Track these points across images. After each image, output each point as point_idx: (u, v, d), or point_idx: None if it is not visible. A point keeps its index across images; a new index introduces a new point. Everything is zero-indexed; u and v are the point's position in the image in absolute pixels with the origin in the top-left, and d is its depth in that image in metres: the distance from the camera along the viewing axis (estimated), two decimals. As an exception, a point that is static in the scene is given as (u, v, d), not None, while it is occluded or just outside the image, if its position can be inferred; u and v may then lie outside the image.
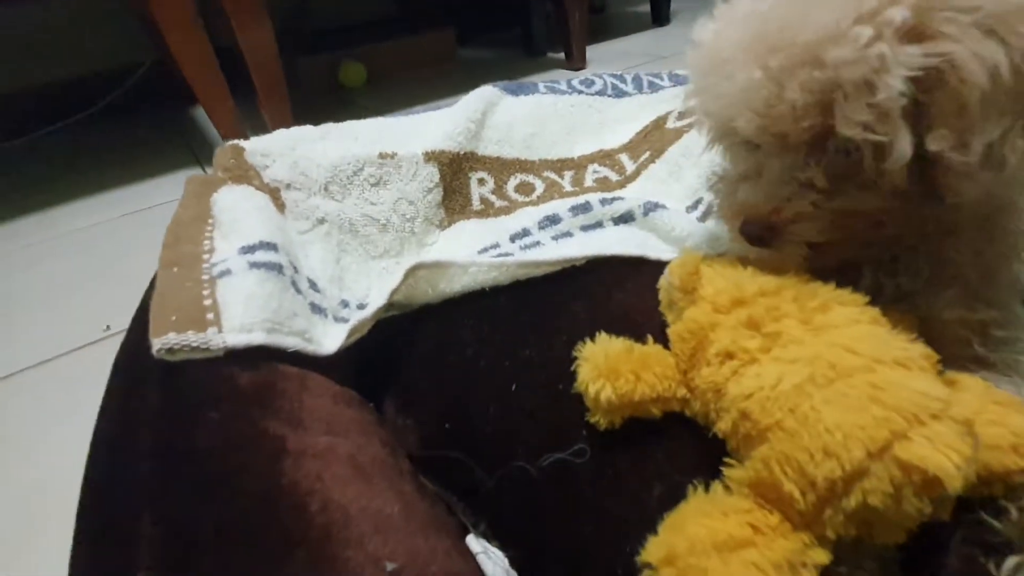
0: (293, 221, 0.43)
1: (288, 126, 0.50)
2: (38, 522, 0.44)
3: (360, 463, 0.28)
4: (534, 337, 0.37)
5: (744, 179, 0.30)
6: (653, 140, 0.60)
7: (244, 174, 0.42)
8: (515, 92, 0.61)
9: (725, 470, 0.24)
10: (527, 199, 0.55)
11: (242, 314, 0.31)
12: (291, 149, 0.46)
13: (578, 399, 0.30)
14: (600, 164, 0.59)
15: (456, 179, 0.52)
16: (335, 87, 1.42)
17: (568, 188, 0.56)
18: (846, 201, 0.27)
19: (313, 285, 0.39)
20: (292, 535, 0.23)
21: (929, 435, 0.20)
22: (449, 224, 0.51)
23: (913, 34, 0.23)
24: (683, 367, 0.29)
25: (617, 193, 0.52)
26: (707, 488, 0.25)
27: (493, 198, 0.54)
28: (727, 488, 0.24)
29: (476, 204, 0.53)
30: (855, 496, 0.20)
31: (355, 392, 0.36)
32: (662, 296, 0.34)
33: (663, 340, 0.31)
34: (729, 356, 0.26)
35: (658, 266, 0.38)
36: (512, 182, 0.56)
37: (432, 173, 0.50)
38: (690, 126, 0.57)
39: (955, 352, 0.28)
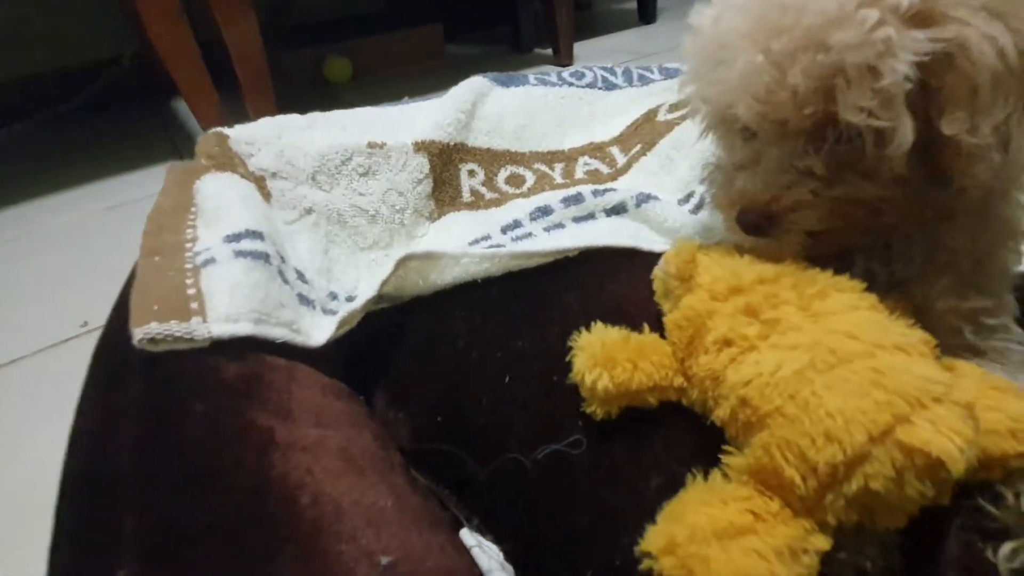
0: (279, 211, 0.42)
1: (273, 120, 0.48)
2: (17, 522, 0.43)
3: (351, 456, 0.27)
4: (527, 328, 0.37)
5: (741, 168, 0.29)
6: (644, 133, 0.60)
7: (228, 161, 0.41)
8: (505, 83, 0.60)
9: (724, 458, 0.24)
10: (517, 191, 0.54)
11: (228, 304, 0.30)
12: (277, 138, 0.45)
13: (573, 390, 0.30)
14: (591, 156, 0.59)
15: (446, 170, 0.52)
16: (320, 82, 1.41)
17: (559, 180, 0.56)
18: (846, 189, 0.27)
19: (301, 276, 0.38)
20: (282, 529, 0.22)
21: (931, 418, 0.20)
22: (439, 216, 0.51)
23: (919, 18, 0.23)
24: (680, 355, 0.29)
25: (609, 185, 0.52)
26: (706, 477, 0.25)
27: (483, 190, 0.53)
28: (726, 476, 0.24)
29: (466, 196, 0.53)
30: (856, 480, 0.20)
31: (344, 384, 0.35)
32: (657, 285, 0.34)
33: (658, 330, 0.31)
34: (727, 343, 0.26)
35: (651, 257, 0.38)
36: (502, 174, 0.55)
37: (422, 164, 0.49)
38: (682, 118, 0.57)
39: (948, 341, 0.28)
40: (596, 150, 0.60)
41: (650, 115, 0.61)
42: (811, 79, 0.24)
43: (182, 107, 1.26)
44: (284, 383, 0.29)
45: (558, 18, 1.40)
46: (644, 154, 0.57)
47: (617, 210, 0.46)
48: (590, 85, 0.65)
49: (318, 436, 0.27)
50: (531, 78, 0.63)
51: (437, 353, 0.39)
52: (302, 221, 0.43)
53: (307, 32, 1.50)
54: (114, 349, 0.32)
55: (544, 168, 0.57)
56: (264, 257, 0.34)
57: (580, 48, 1.51)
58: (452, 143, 0.52)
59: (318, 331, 0.35)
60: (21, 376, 0.59)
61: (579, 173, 0.57)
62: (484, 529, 0.32)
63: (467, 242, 0.45)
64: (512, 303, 0.39)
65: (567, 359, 0.30)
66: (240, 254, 0.33)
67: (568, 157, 0.59)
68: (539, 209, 0.47)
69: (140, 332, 0.28)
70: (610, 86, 0.66)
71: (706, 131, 0.34)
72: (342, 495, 0.24)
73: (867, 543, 0.24)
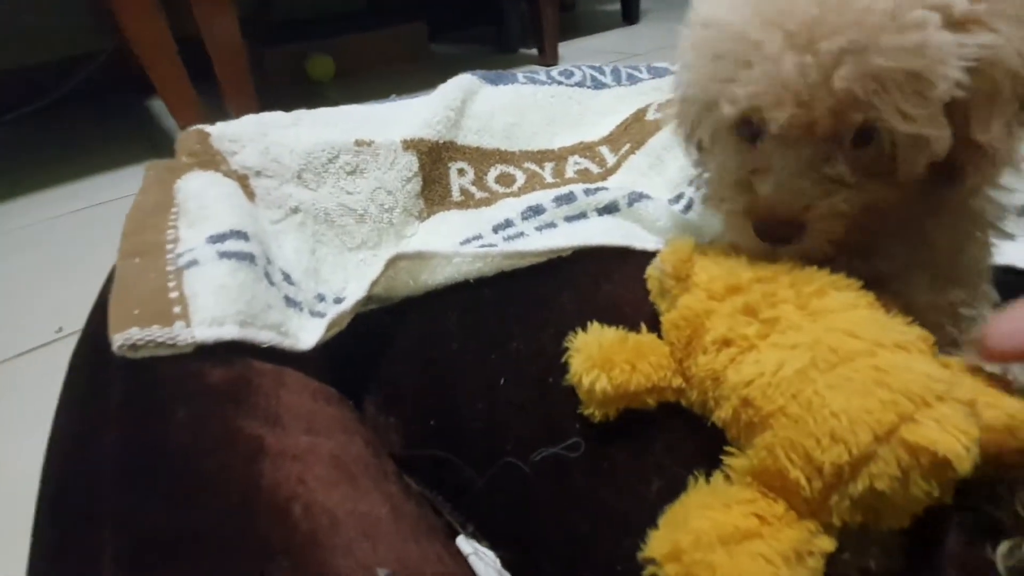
0: (264, 210, 0.41)
1: (254, 119, 0.47)
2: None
3: (344, 463, 0.26)
4: (521, 329, 0.36)
5: (753, 173, 0.28)
6: (633, 132, 0.59)
7: (211, 159, 0.40)
8: (494, 81, 0.59)
9: (726, 459, 0.24)
10: (508, 190, 0.53)
11: (212, 307, 0.29)
12: (261, 135, 0.44)
13: (570, 392, 0.29)
14: (581, 156, 0.58)
15: (435, 169, 0.51)
16: (302, 80, 1.38)
17: (549, 179, 0.55)
18: (870, 194, 0.26)
19: (287, 277, 0.37)
20: (274, 542, 0.21)
21: (936, 417, 0.20)
22: (428, 215, 0.50)
23: (965, 23, 0.23)
24: (678, 356, 0.28)
25: (600, 184, 0.51)
26: (707, 479, 0.24)
27: (473, 189, 0.53)
28: (728, 478, 0.24)
29: (456, 195, 0.52)
30: (862, 481, 0.20)
31: (334, 389, 0.34)
32: (651, 285, 0.33)
33: (654, 331, 0.30)
34: (726, 343, 0.26)
35: (644, 256, 0.37)
36: (492, 173, 0.54)
37: (411, 162, 0.48)
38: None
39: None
40: (586, 150, 0.60)
41: (639, 114, 0.61)
42: (859, 83, 0.23)
43: (159, 106, 1.23)
44: (272, 388, 0.28)
45: (543, 18, 1.40)
46: (633, 152, 0.57)
47: (609, 209, 0.46)
48: (579, 84, 0.65)
49: (309, 443, 0.26)
50: (520, 76, 0.63)
51: (429, 355, 0.38)
52: (288, 221, 0.42)
53: (289, 29, 1.48)
54: (92, 355, 0.31)
55: (534, 167, 0.57)
56: (250, 258, 0.32)
57: (564, 48, 1.51)
58: (441, 141, 0.51)
59: (306, 334, 0.34)
60: (-9, 384, 0.57)
61: (569, 172, 0.57)
62: (480, 536, 0.32)
63: (458, 242, 0.45)
64: (505, 304, 0.38)
65: (563, 360, 0.30)
66: (225, 255, 0.32)
67: (558, 156, 0.58)
68: (531, 208, 0.46)
69: (120, 338, 0.27)
70: (599, 85, 0.66)
71: (698, 135, 0.32)
72: (336, 505, 0.23)
73: (870, 543, 0.23)
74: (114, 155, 1.09)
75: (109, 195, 0.95)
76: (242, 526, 0.22)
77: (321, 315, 0.37)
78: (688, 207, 0.48)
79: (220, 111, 1.03)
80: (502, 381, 0.34)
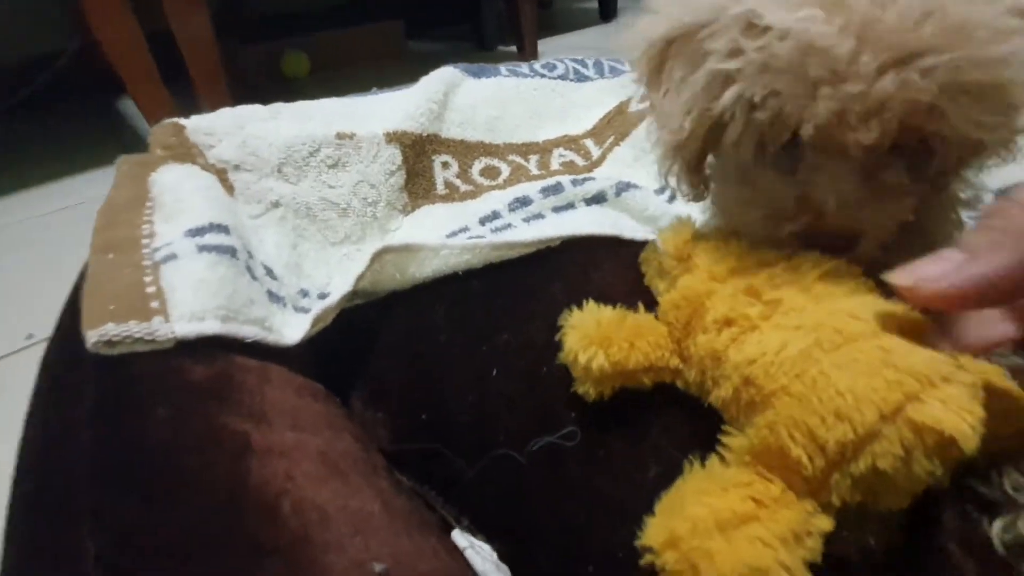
0: (244, 204, 0.40)
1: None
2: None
3: (332, 460, 0.25)
4: (511, 320, 0.36)
5: (807, 191, 0.26)
6: (617, 125, 0.59)
7: (187, 152, 0.38)
8: (476, 74, 0.59)
9: (725, 439, 0.23)
10: (493, 183, 0.53)
11: (192, 301, 0.28)
12: (239, 128, 0.42)
13: (563, 382, 0.29)
14: (566, 148, 0.58)
15: (419, 162, 0.50)
16: (277, 78, 1.36)
17: (535, 172, 0.55)
18: (919, 195, 0.25)
19: (269, 272, 0.36)
20: (264, 541, 0.20)
21: (942, 397, 0.19)
22: (413, 209, 0.49)
23: None
24: (677, 336, 0.28)
25: (587, 175, 0.51)
26: (703, 463, 0.24)
27: (458, 182, 0.52)
28: (724, 461, 0.23)
29: (440, 188, 0.51)
30: (864, 460, 0.20)
31: (320, 385, 0.33)
32: (646, 269, 0.33)
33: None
34: (728, 323, 0.25)
35: (633, 246, 0.37)
36: (477, 166, 0.54)
37: (394, 155, 0.47)
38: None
39: None
40: (571, 142, 0.60)
41: (622, 107, 0.61)
42: (948, 96, 0.21)
43: (130, 105, 1.19)
44: (257, 384, 0.27)
45: (521, 15, 1.40)
46: (618, 144, 0.57)
47: (597, 199, 0.45)
48: (562, 77, 0.65)
49: (296, 440, 0.25)
50: (502, 69, 0.62)
51: (416, 349, 0.37)
52: (268, 215, 0.40)
53: (263, 26, 1.46)
54: (65, 355, 0.29)
55: (519, 160, 0.56)
56: (230, 251, 0.31)
57: (543, 46, 1.51)
58: (425, 134, 0.50)
59: (290, 329, 0.33)
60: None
61: (555, 165, 0.56)
62: (475, 529, 0.31)
63: (444, 235, 0.44)
64: (495, 295, 0.38)
65: (557, 339, 0.29)
66: (204, 248, 0.31)
67: (543, 149, 0.58)
68: (518, 200, 0.46)
69: (94, 334, 0.26)
70: (582, 78, 0.66)
71: (729, 154, 0.28)
72: (326, 501, 0.22)
73: (870, 520, 0.23)
74: (83, 157, 1.06)
75: (80, 197, 0.92)
76: (230, 524, 0.21)
77: (305, 311, 0.36)
78: (673, 197, 0.48)
79: (193, 110, 0.99)
80: (494, 372, 0.34)
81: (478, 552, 0.28)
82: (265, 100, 0.47)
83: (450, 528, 0.31)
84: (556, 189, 0.45)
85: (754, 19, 0.23)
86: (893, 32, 0.21)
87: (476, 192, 0.52)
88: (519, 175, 0.54)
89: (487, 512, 0.31)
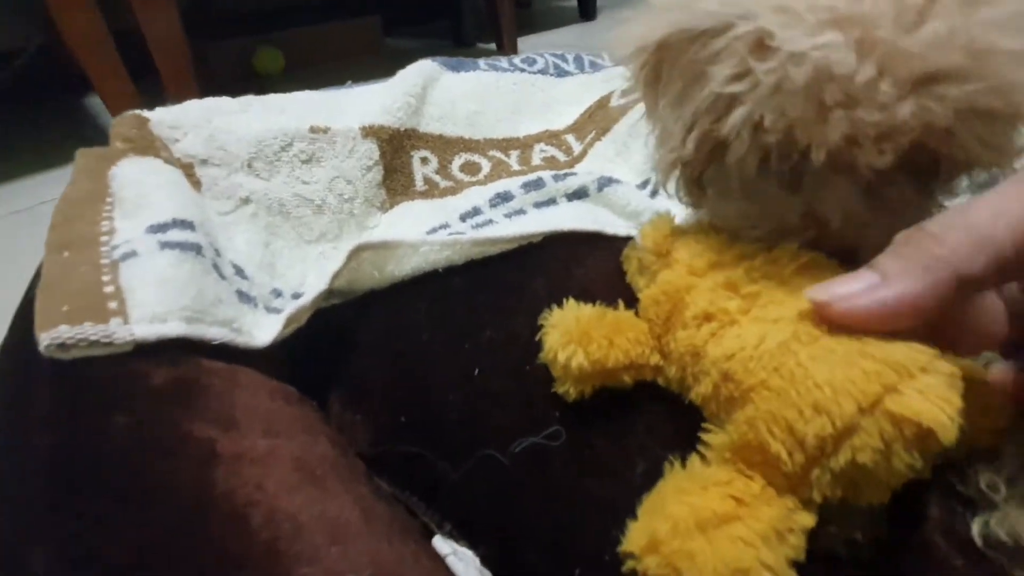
0: (212, 201, 0.38)
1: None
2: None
3: (308, 465, 0.24)
4: (494, 317, 0.35)
5: (813, 207, 0.25)
6: (598, 120, 0.59)
7: (150, 145, 0.36)
8: (455, 68, 0.58)
9: (705, 436, 0.23)
10: (474, 179, 0.52)
11: (154, 301, 0.26)
12: (206, 121, 0.41)
13: (548, 378, 0.28)
14: (547, 144, 0.57)
15: (397, 157, 0.49)
16: (250, 76, 1.33)
17: (516, 167, 0.54)
18: (923, 213, 0.24)
19: (239, 271, 0.35)
20: (231, 555, 0.19)
21: (920, 387, 0.19)
22: (391, 206, 0.48)
23: None
24: (657, 332, 0.27)
25: (568, 170, 0.50)
26: (684, 463, 0.23)
27: (437, 178, 0.51)
28: (704, 459, 0.23)
29: (420, 185, 0.50)
30: (844, 454, 0.19)
31: (294, 388, 0.32)
32: (628, 266, 0.33)
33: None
34: (707, 318, 0.25)
35: (616, 241, 0.37)
36: (457, 161, 0.52)
37: (371, 150, 0.46)
38: (634, 102, 0.56)
39: None
40: (552, 138, 0.59)
41: (603, 102, 0.61)
42: (964, 122, 0.21)
43: (97, 103, 1.16)
44: (225, 388, 0.25)
45: (500, 12, 1.39)
46: (599, 139, 0.56)
47: (579, 194, 0.45)
48: (542, 71, 0.64)
49: (268, 446, 0.23)
50: (481, 63, 0.61)
51: (397, 348, 0.36)
52: (238, 212, 0.39)
53: (235, 22, 1.42)
54: (17, 361, 0.28)
55: (500, 155, 0.55)
56: (196, 248, 0.30)
57: (522, 44, 1.51)
58: (403, 129, 0.49)
59: (262, 330, 0.31)
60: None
61: (536, 160, 0.56)
62: (458, 535, 0.30)
63: (424, 231, 0.43)
64: (477, 292, 0.37)
65: (538, 340, 0.28)
66: (167, 245, 0.29)
67: (524, 144, 0.57)
68: (499, 195, 0.45)
69: (47, 337, 0.24)
70: (562, 73, 0.65)
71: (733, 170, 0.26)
72: (300, 510, 0.21)
73: (856, 514, 0.23)
74: (48, 156, 1.01)
75: (42, 197, 0.89)
76: (195, 538, 0.19)
77: (277, 311, 0.34)
78: (655, 192, 0.47)
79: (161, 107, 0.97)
80: (477, 371, 0.33)
81: (461, 558, 0.27)
82: (237, 97, 0.45)
83: (432, 535, 0.30)
84: (537, 185, 0.45)
85: (766, 39, 0.21)
86: (916, 58, 0.20)
87: (456, 188, 0.51)
88: (500, 171, 0.53)
89: (471, 516, 0.30)
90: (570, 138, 0.58)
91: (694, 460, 0.23)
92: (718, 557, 0.19)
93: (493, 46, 1.46)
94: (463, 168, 0.53)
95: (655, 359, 0.27)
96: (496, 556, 0.28)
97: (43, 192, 0.90)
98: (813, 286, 0.22)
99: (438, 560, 0.27)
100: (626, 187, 0.45)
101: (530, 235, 0.38)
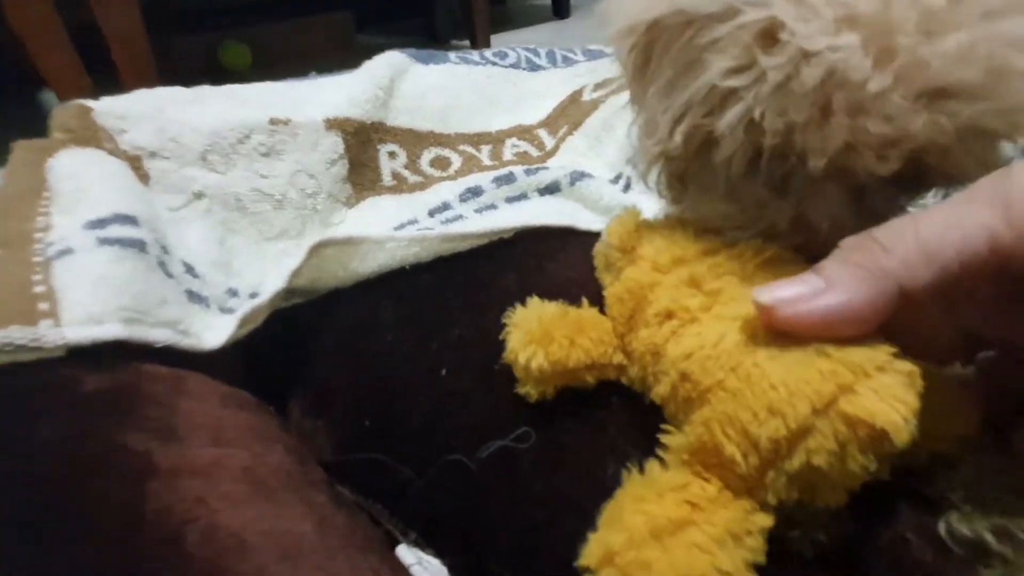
0: (162, 195, 0.36)
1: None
2: None
3: (259, 476, 0.22)
4: (463, 315, 0.33)
5: (776, 194, 0.24)
6: (570, 114, 0.58)
7: (92, 136, 0.34)
8: (425, 60, 0.56)
9: (663, 437, 0.22)
10: (444, 174, 0.50)
11: (89, 301, 0.24)
12: (157, 111, 0.38)
13: (517, 379, 0.27)
14: (519, 139, 0.56)
15: (364, 151, 0.47)
16: (216, 71, 1.29)
17: (487, 162, 0.53)
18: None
19: (190, 270, 0.32)
20: (162, 579, 0.17)
21: (875, 387, 0.19)
22: (358, 201, 0.46)
23: None
24: (620, 330, 0.26)
25: (541, 164, 0.49)
26: (642, 468, 0.23)
27: (406, 173, 0.49)
28: (663, 463, 0.22)
29: (387, 180, 0.48)
30: (799, 456, 0.19)
31: (249, 394, 0.30)
32: (597, 261, 0.32)
33: (599, 309, 0.29)
34: (669, 316, 0.24)
35: (588, 236, 0.36)
36: (426, 156, 0.51)
37: (336, 143, 0.44)
38: (606, 97, 0.56)
39: None
40: (524, 132, 0.58)
41: (575, 96, 0.60)
42: (963, 139, 0.20)
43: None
44: (167, 396, 0.23)
45: (474, 8, 1.37)
46: (571, 133, 0.55)
47: (551, 189, 0.44)
48: (514, 65, 0.63)
49: (215, 456, 0.22)
50: (452, 56, 0.60)
51: (362, 349, 0.34)
52: (191, 207, 0.37)
53: (200, 16, 1.38)
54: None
55: (471, 150, 0.54)
56: (139, 245, 0.28)
57: (496, 41, 1.50)
58: (369, 121, 0.47)
59: (213, 332, 0.29)
60: None
61: (508, 155, 0.54)
62: (424, 543, 0.29)
63: (391, 227, 0.41)
64: (445, 289, 0.35)
65: (502, 340, 0.27)
66: (106, 242, 0.27)
67: (496, 139, 0.56)
68: (469, 190, 0.43)
69: (-34, 342, 0.22)
70: (534, 67, 0.64)
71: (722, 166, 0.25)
72: (246, 525, 0.19)
73: (817, 515, 0.22)
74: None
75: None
76: (122, 565, 0.17)
77: (232, 312, 0.32)
78: (627, 187, 0.47)
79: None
80: (444, 372, 0.31)
81: (426, 568, 0.26)
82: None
83: (397, 544, 0.28)
84: (509, 179, 0.43)
85: (777, 31, 0.19)
86: (934, 71, 0.18)
87: (426, 183, 0.49)
88: (471, 166, 0.51)
89: (438, 524, 0.28)
90: (542, 133, 0.57)
91: (653, 464, 0.22)
92: (673, 565, 0.19)
93: (467, 43, 1.45)
94: (433, 163, 0.51)
95: (618, 358, 0.26)
96: (463, 564, 0.27)
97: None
98: (761, 286, 0.21)
99: (402, 571, 0.25)
100: (598, 181, 0.44)
101: (501, 230, 0.37)
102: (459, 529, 0.28)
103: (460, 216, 0.42)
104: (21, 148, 0.33)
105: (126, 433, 0.21)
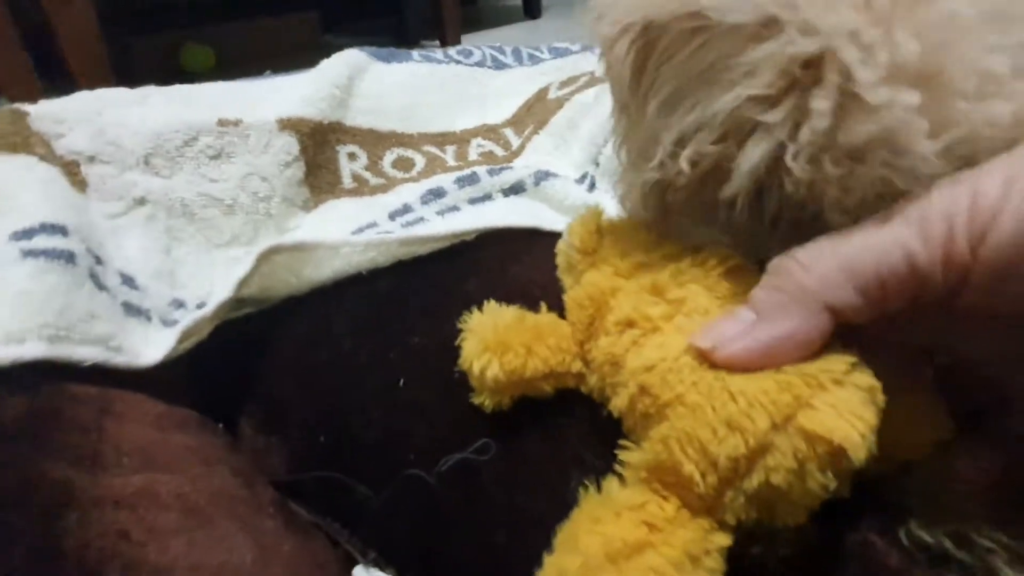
0: (100, 202, 0.34)
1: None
2: None
3: (194, 504, 0.21)
4: (423, 321, 0.32)
5: (763, 224, 0.22)
6: (536, 112, 0.57)
7: (23, 141, 0.32)
8: (386, 59, 0.55)
9: (621, 454, 0.21)
10: (407, 175, 0.49)
11: (8, 319, 0.22)
12: (96, 114, 0.36)
13: (478, 386, 0.26)
14: (484, 138, 0.55)
15: (321, 152, 0.45)
16: (177, 74, 1.25)
17: (451, 163, 0.51)
18: None
19: (128, 281, 0.31)
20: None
21: (833, 402, 0.18)
22: (316, 205, 0.44)
23: None
24: (580, 337, 0.25)
25: (505, 165, 0.48)
26: (599, 487, 0.22)
27: (367, 175, 0.47)
28: (621, 479, 0.21)
29: (347, 182, 0.46)
30: (757, 475, 0.18)
31: (193, 412, 0.28)
32: (559, 261, 0.31)
33: (561, 313, 0.28)
34: (630, 324, 0.23)
35: (553, 237, 0.35)
36: (388, 157, 0.49)
37: (289, 144, 0.42)
38: (571, 94, 0.55)
39: None
40: (490, 132, 0.57)
41: (541, 94, 0.59)
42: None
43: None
44: (93, 419, 0.22)
45: (444, 9, 1.36)
46: (537, 132, 0.54)
47: (515, 189, 0.43)
48: (479, 64, 0.62)
49: (144, 483, 0.20)
50: (415, 54, 0.58)
51: (317, 360, 0.33)
52: (132, 214, 0.35)
53: (161, 17, 1.34)
54: None
55: (435, 151, 0.52)
56: (66, 256, 0.26)
57: (467, 42, 1.48)
58: (326, 122, 0.46)
59: (152, 347, 0.27)
60: None
61: (473, 155, 0.53)
62: (383, 563, 0.27)
63: (349, 231, 0.40)
64: (405, 295, 0.34)
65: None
66: (30, 254, 0.25)
67: (460, 139, 0.55)
68: (431, 192, 0.42)
69: None
70: (500, 65, 0.63)
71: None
72: (176, 559, 0.18)
73: (780, 530, 0.22)
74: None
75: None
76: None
77: (177, 324, 0.31)
78: (592, 186, 0.46)
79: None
80: (402, 382, 0.30)
81: (384, 592, 0.24)
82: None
83: (355, 565, 0.27)
84: (472, 180, 0.42)
85: (823, 64, 0.17)
86: (985, 141, 0.17)
87: (388, 185, 0.48)
88: (435, 167, 0.50)
89: (397, 542, 0.27)
90: (508, 132, 0.56)
91: (611, 481, 0.21)
92: None
93: (437, 44, 1.43)
94: (395, 164, 0.50)
95: (577, 366, 0.25)
96: (424, 585, 0.26)
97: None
98: (697, 331, 0.21)
99: (358, 596, 0.24)
100: (564, 181, 0.43)
101: (463, 232, 0.36)
102: (419, 547, 0.27)
103: (421, 219, 0.40)
104: (-57, 155, 0.31)
105: (44, 461, 0.19)
